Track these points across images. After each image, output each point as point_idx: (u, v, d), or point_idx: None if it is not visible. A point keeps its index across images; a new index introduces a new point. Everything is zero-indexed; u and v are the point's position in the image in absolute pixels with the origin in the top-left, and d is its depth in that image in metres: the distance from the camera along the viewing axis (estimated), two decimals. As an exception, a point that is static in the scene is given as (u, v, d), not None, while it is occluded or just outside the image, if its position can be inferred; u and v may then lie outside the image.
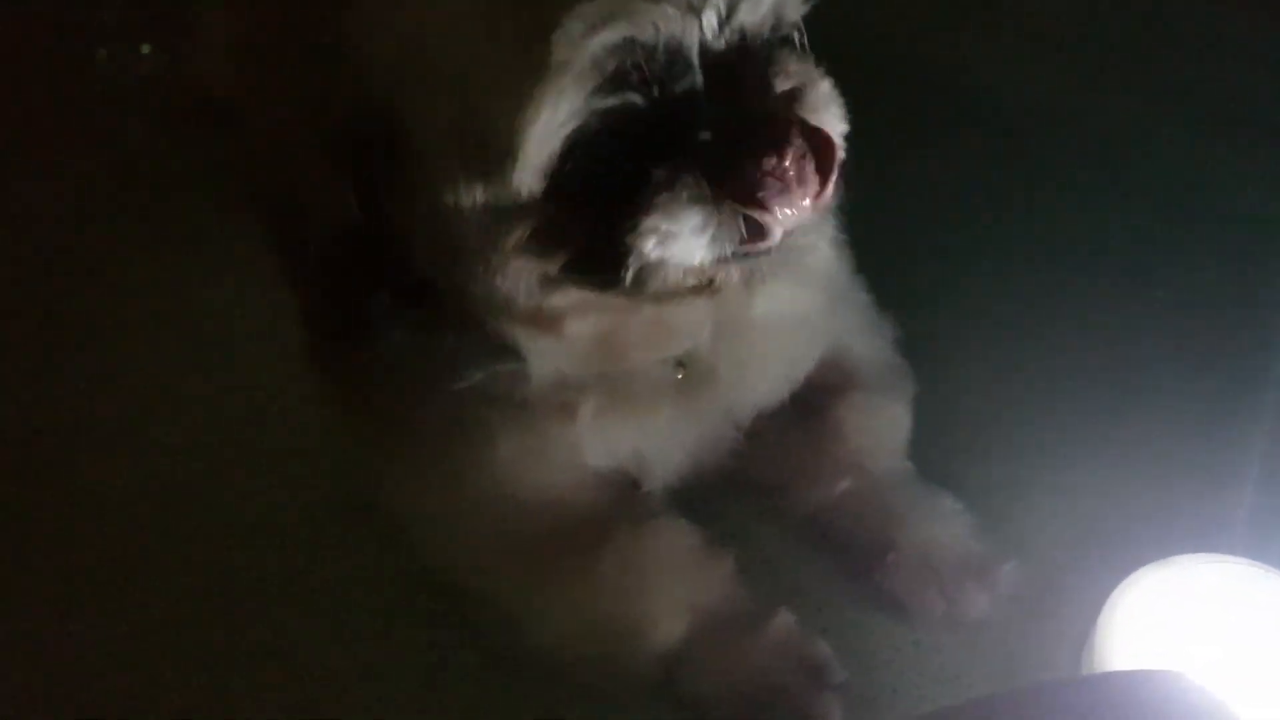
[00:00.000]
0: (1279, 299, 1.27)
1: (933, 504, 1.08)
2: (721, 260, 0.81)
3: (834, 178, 0.79)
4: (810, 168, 0.78)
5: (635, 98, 0.78)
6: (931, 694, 1.00)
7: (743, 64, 0.80)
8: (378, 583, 1.10)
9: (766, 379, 1.06)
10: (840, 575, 1.07)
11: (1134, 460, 1.14)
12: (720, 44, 0.79)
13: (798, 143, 0.77)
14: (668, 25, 0.77)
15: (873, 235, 1.06)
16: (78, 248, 1.38)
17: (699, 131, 0.78)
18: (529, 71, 0.77)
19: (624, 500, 1.03)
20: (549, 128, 0.78)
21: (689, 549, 1.02)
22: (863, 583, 1.06)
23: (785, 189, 0.78)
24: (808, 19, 0.86)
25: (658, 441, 1.02)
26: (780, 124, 0.78)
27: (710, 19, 0.79)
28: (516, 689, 1.02)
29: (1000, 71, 1.54)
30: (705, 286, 0.84)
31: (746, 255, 0.81)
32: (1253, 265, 1.31)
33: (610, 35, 0.76)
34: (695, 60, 0.78)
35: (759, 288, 0.94)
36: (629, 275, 0.80)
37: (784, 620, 1.01)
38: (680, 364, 0.98)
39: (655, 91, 0.78)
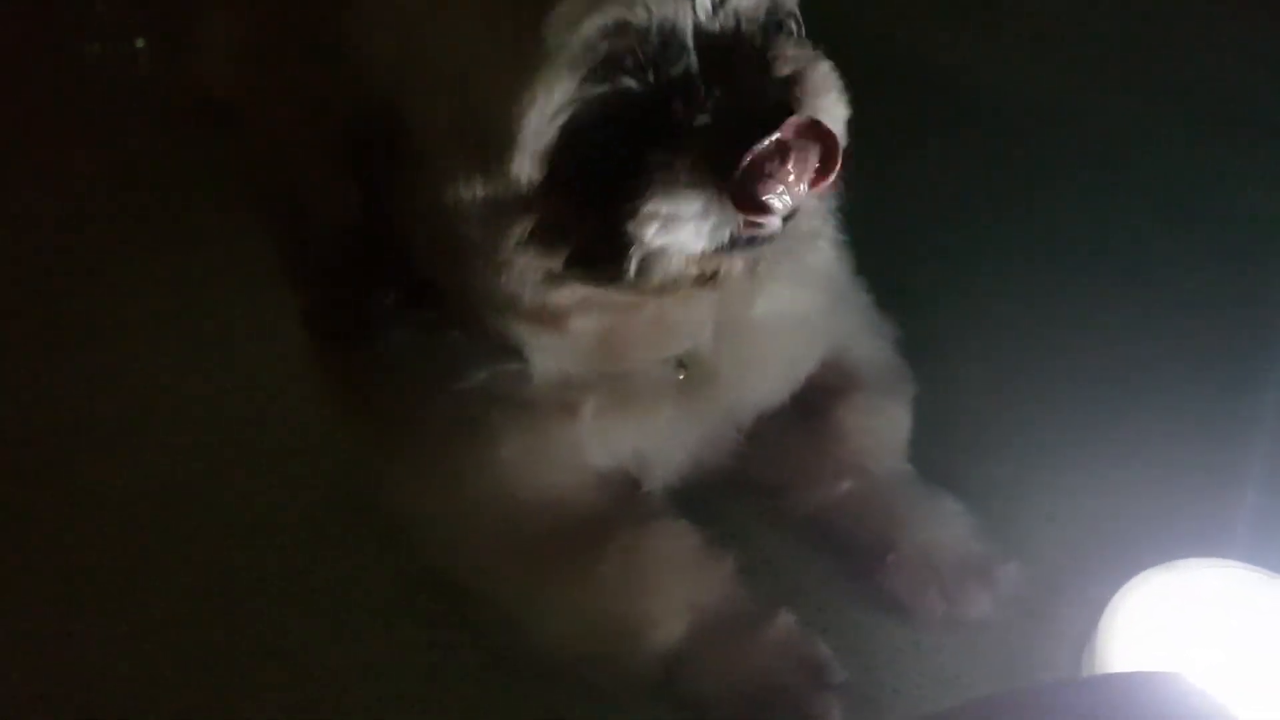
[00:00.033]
0: (1280, 299, 1.27)
1: (933, 505, 1.08)
2: (723, 250, 0.81)
3: (836, 167, 0.79)
4: (810, 158, 0.78)
5: (630, 82, 0.77)
6: (932, 694, 1.00)
7: (739, 47, 0.80)
8: (378, 583, 1.10)
9: (767, 379, 1.06)
10: (841, 576, 1.07)
11: (1135, 463, 1.14)
12: (715, 26, 0.79)
13: (795, 140, 0.77)
14: (660, 8, 0.77)
15: (873, 236, 1.06)
16: (78, 248, 1.38)
17: (696, 115, 0.78)
18: (523, 59, 0.77)
19: (625, 500, 1.02)
20: (544, 115, 0.78)
21: (690, 549, 1.02)
22: (863, 583, 1.06)
23: (781, 183, 0.78)
24: (807, 19, 0.86)
25: (659, 441, 1.02)
26: (776, 114, 0.77)
27: (704, 1, 0.78)
28: (516, 689, 1.02)
29: (1000, 71, 1.54)
30: (708, 278, 0.84)
31: (749, 243, 0.81)
32: (1253, 265, 1.31)
33: (602, 19, 0.76)
34: (690, 42, 0.78)
35: (761, 285, 0.94)
36: (632, 265, 0.80)
37: (784, 620, 1.00)
38: (681, 364, 0.98)
39: (650, 76, 0.78)
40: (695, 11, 0.78)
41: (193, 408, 1.23)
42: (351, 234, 0.92)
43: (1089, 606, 0.99)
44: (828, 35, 0.86)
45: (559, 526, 1.00)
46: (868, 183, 0.87)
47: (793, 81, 0.80)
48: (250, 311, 1.27)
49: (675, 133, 0.77)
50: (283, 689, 1.04)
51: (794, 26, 0.85)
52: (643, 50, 0.77)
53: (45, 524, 1.15)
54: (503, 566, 1.01)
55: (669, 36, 0.78)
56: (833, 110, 0.82)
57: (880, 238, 1.08)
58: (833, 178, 0.79)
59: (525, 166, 0.80)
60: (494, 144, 0.80)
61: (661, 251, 0.79)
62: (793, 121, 0.76)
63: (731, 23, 0.80)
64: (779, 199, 0.78)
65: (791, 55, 0.81)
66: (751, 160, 0.76)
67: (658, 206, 0.78)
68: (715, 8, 0.79)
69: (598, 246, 0.81)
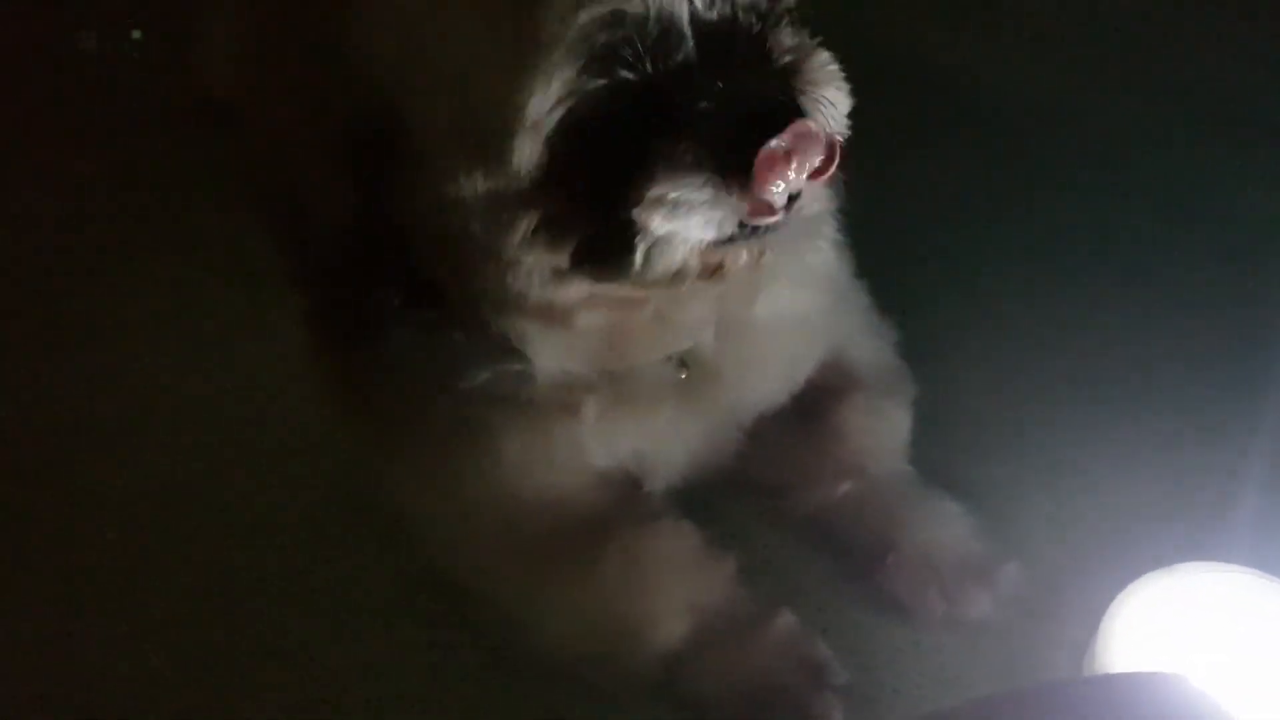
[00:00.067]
0: (1282, 300, 1.27)
1: (933, 505, 1.08)
2: (728, 241, 0.81)
3: (834, 165, 0.79)
4: (811, 154, 0.78)
5: (627, 74, 0.78)
6: (932, 695, 1.00)
7: (737, 37, 0.80)
8: (378, 583, 1.10)
9: (768, 379, 1.06)
10: (841, 576, 1.07)
11: (1136, 465, 1.14)
12: (712, 16, 0.79)
13: (797, 141, 0.77)
14: None
15: (873, 236, 1.06)
16: (78, 248, 1.38)
17: (696, 103, 0.78)
18: (521, 52, 0.77)
19: (626, 500, 1.02)
20: (543, 107, 0.78)
21: (690, 549, 1.02)
22: (863, 584, 1.06)
23: (783, 179, 0.78)
24: (808, 19, 0.86)
25: (660, 442, 1.02)
26: (776, 105, 0.77)
27: None
28: (516, 689, 1.02)
29: (1000, 72, 1.54)
30: (714, 271, 0.84)
31: (754, 233, 0.81)
32: (1253, 265, 1.31)
33: (599, 9, 0.76)
34: (687, 32, 0.78)
35: (763, 281, 0.94)
36: (639, 257, 0.80)
37: (785, 621, 1.00)
38: (683, 363, 0.98)
39: (648, 67, 0.78)
40: (692, 1, 0.78)
41: (193, 408, 1.23)
42: (351, 234, 0.92)
43: (1089, 608, 0.98)
44: (827, 35, 0.85)
45: (560, 526, 1.00)
46: (868, 183, 0.87)
47: (792, 71, 0.80)
48: (250, 311, 1.27)
49: (676, 121, 0.77)
50: (283, 689, 1.04)
51: (791, 17, 0.85)
52: (640, 40, 0.77)
53: (45, 524, 1.15)
54: (503, 566, 1.01)
55: (667, 26, 0.77)
56: (835, 102, 0.82)
57: (880, 238, 1.08)
58: (831, 172, 0.79)
59: (526, 161, 0.80)
60: (494, 139, 0.80)
61: (667, 241, 0.79)
62: (795, 128, 0.76)
63: (729, 12, 0.80)
64: (781, 193, 0.78)
65: (790, 45, 0.81)
66: (757, 159, 0.76)
67: (663, 191, 0.77)
68: None
69: (603, 240, 0.81)
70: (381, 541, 1.11)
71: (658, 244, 0.79)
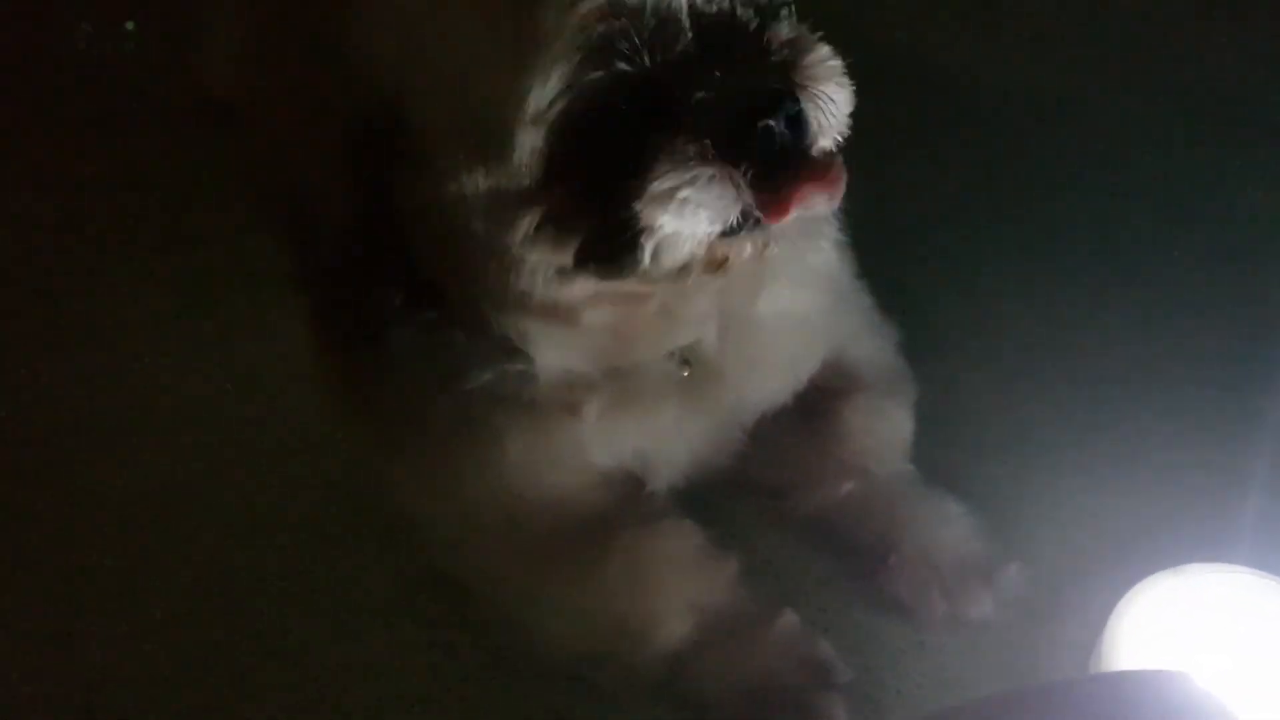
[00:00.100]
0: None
1: (935, 506, 1.08)
2: (732, 233, 0.81)
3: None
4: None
5: (625, 66, 0.77)
6: (936, 695, 1.00)
7: (735, 29, 0.80)
8: (378, 583, 1.10)
9: (770, 379, 1.06)
10: (843, 576, 1.07)
11: (1140, 466, 1.13)
12: (711, 8, 0.79)
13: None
14: None
15: (874, 237, 1.07)
16: (78, 248, 1.38)
17: (694, 95, 0.78)
18: (519, 46, 0.77)
19: (628, 500, 1.02)
20: (543, 101, 0.78)
21: (693, 549, 1.02)
22: (865, 584, 1.06)
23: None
24: (808, 20, 0.86)
25: (663, 441, 1.03)
26: (775, 96, 0.78)
27: None
28: (516, 689, 1.03)
29: (1001, 72, 1.54)
30: (720, 263, 0.84)
31: (757, 224, 0.81)
32: (1256, 266, 1.31)
33: (595, 1, 0.76)
34: (686, 23, 0.78)
35: (766, 277, 0.94)
36: (645, 252, 0.80)
37: (788, 621, 1.00)
38: (686, 361, 0.98)
39: (646, 59, 0.78)
40: None
41: (193, 408, 1.23)
42: (352, 234, 0.92)
43: (1093, 609, 0.98)
44: (828, 35, 0.86)
45: (562, 526, 1.00)
46: (869, 183, 0.87)
47: (790, 65, 0.80)
48: (250, 311, 1.27)
49: (675, 114, 0.77)
50: (283, 689, 1.04)
51: (789, 12, 0.85)
52: (638, 33, 0.77)
53: (45, 524, 1.15)
54: (505, 566, 1.01)
55: (664, 18, 0.78)
56: (835, 97, 0.82)
57: (881, 239, 1.08)
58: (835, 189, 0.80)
59: (528, 157, 0.80)
60: (495, 136, 0.80)
61: (672, 234, 0.79)
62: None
63: (727, 5, 0.80)
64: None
65: (788, 38, 0.81)
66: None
67: (663, 185, 0.77)
68: None
69: (607, 236, 0.81)
70: (381, 541, 1.11)
71: (662, 239, 0.79)
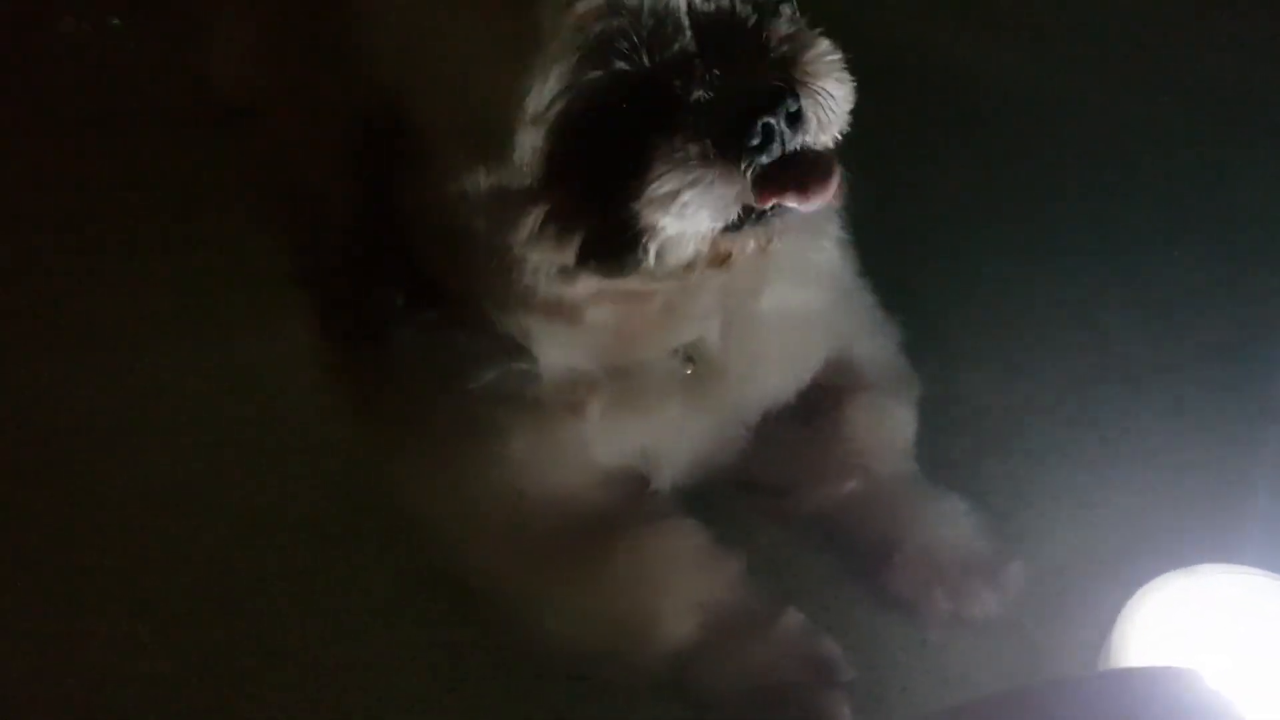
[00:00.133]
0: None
1: (938, 504, 1.08)
2: (735, 229, 0.81)
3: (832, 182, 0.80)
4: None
5: (624, 65, 0.77)
6: (940, 694, 1.00)
7: (734, 27, 0.80)
8: (378, 583, 1.10)
9: (774, 376, 1.06)
10: (846, 575, 1.07)
11: (1146, 466, 1.13)
12: (709, 6, 0.79)
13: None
14: None
15: (876, 236, 1.07)
16: (78, 248, 1.38)
17: (693, 93, 0.77)
18: (518, 46, 0.77)
19: (632, 499, 1.03)
20: (542, 101, 0.78)
21: (697, 548, 1.02)
22: (869, 582, 1.06)
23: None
24: (809, 20, 0.86)
25: (666, 440, 1.03)
26: (774, 93, 0.78)
27: None
28: (517, 688, 1.03)
29: (1001, 72, 1.54)
30: (723, 258, 0.83)
31: (759, 219, 0.81)
32: (1257, 266, 1.31)
33: (593, 0, 0.76)
34: (684, 22, 0.78)
35: (770, 272, 0.94)
36: (648, 251, 0.80)
37: (792, 619, 1.00)
38: (689, 359, 0.98)
39: (644, 59, 0.78)
40: None
41: (193, 408, 1.23)
42: (354, 233, 0.92)
43: (1099, 609, 0.98)
44: (829, 35, 0.86)
45: (566, 525, 1.00)
46: (870, 183, 0.87)
47: (790, 61, 0.80)
48: (250, 311, 1.27)
49: (675, 112, 0.77)
50: (283, 689, 1.04)
51: (790, 8, 0.85)
52: (636, 31, 0.77)
53: (45, 524, 1.15)
54: (510, 565, 1.01)
55: (662, 16, 0.78)
56: (834, 93, 0.82)
57: (881, 238, 1.09)
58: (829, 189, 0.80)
59: (528, 156, 0.80)
60: (496, 135, 0.80)
61: (673, 233, 0.79)
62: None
63: (727, 3, 0.80)
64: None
65: (787, 35, 0.81)
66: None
67: (663, 186, 0.78)
68: None
69: (609, 235, 0.81)
70: (381, 541, 1.11)
71: (664, 239, 0.79)
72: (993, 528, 1.07)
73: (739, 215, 0.80)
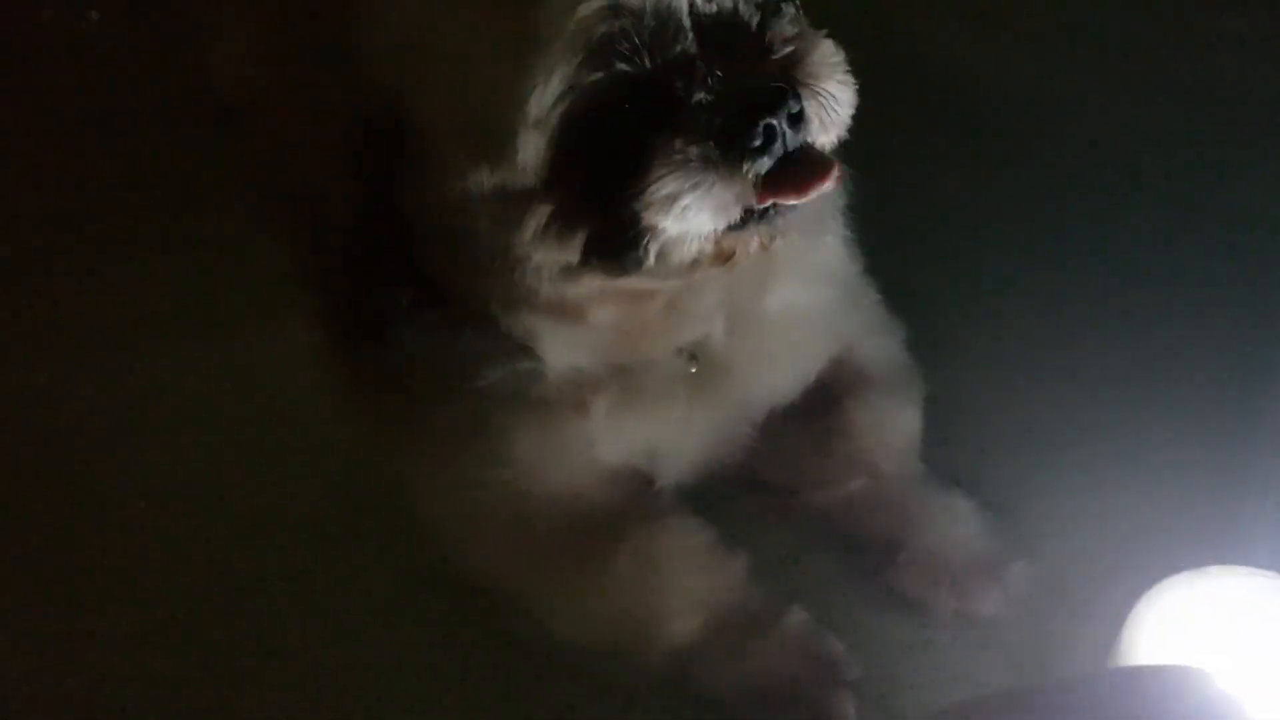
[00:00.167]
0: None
1: (944, 503, 1.08)
2: (738, 228, 0.81)
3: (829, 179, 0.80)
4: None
5: (625, 67, 0.78)
6: (945, 692, 0.99)
7: (736, 28, 0.80)
8: (378, 583, 1.10)
9: (778, 374, 1.06)
10: (852, 573, 1.07)
11: (1150, 466, 1.13)
12: (711, 8, 0.79)
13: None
14: None
15: (877, 236, 1.06)
16: (78, 248, 1.38)
17: (695, 94, 0.77)
18: (521, 48, 0.77)
19: (637, 498, 1.02)
20: (544, 102, 0.78)
21: (701, 547, 1.01)
22: (874, 581, 1.06)
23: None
24: (810, 20, 0.86)
25: (671, 438, 1.03)
26: (776, 94, 0.78)
27: None
28: (518, 688, 1.02)
29: (1003, 72, 1.54)
30: (726, 257, 0.84)
31: (762, 217, 0.81)
32: (1258, 265, 1.30)
33: (595, 2, 0.77)
34: (686, 23, 0.78)
35: (773, 270, 0.94)
36: (649, 252, 0.80)
37: (797, 617, 1.00)
38: (693, 358, 0.98)
39: (645, 60, 0.78)
40: None
41: (193, 408, 1.23)
42: (358, 233, 0.92)
43: (1105, 609, 0.98)
44: (829, 36, 0.86)
45: (571, 524, 1.00)
46: (871, 182, 0.87)
47: (792, 62, 0.80)
48: (250, 311, 1.27)
49: (676, 113, 0.77)
50: (283, 689, 1.04)
51: (793, 9, 0.85)
52: (638, 33, 0.77)
53: (45, 524, 1.15)
54: (514, 563, 1.01)
55: (664, 18, 0.78)
56: (836, 95, 0.82)
57: (884, 237, 1.09)
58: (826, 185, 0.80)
59: (531, 157, 0.80)
60: (498, 136, 0.80)
61: (674, 234, 0.79)
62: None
63: (729, 4, 0.80)
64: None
65: (790, 36, 0.81)
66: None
67: (663, 188, 0.78)
68: None
69: (612, 235, 0.81)
70: (381, 541, 1.11)
71: (664, 239, 0.79)
72: (998, 527, 1.07)
73: (741, 215, 0.80)
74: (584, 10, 0.77)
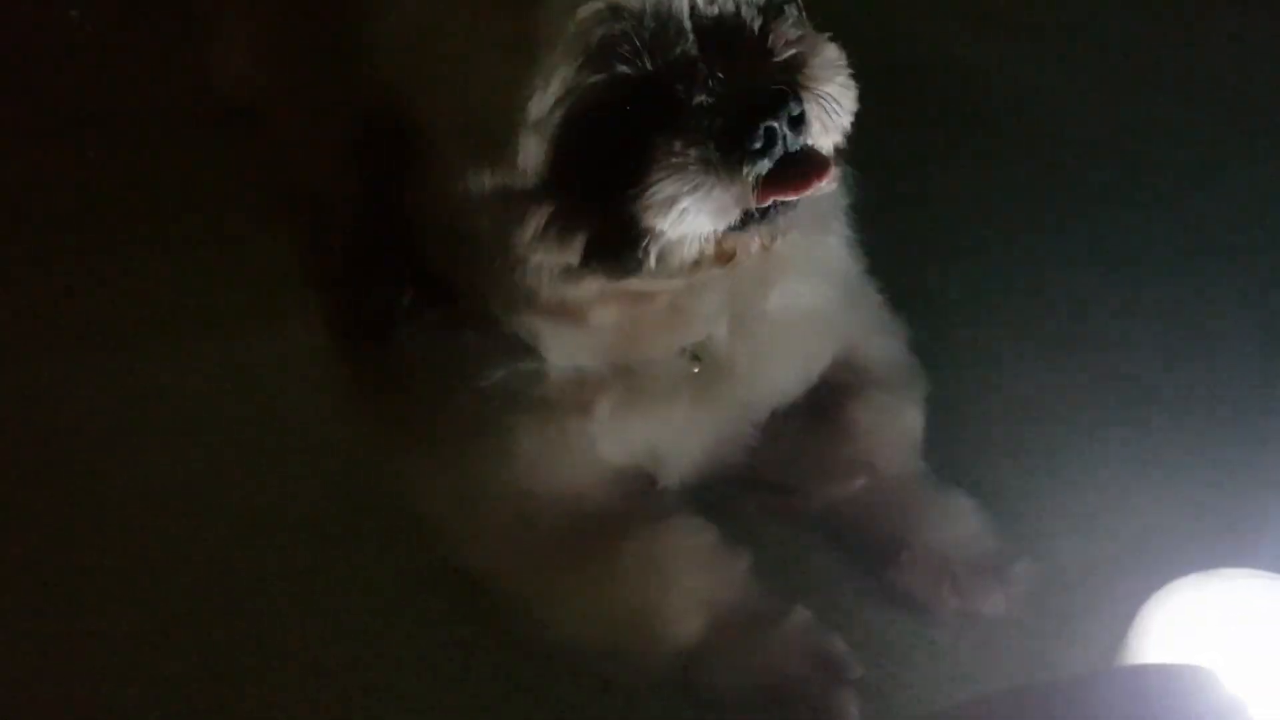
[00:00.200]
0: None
1: (946, 503, 1.07)
2: (739, 228, 0.81)
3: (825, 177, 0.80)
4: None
5: (625, 69, 0.77)
6: (948, 691, 0.99)
7: (738, 31, 0.80)
8: (378, 582, 1.10)
9: (781, 373, 1.06)
10: (854, 573, 1.07)
11: (1155, 467, 1.13)
12: (713, 10, 0.79)
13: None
14: None
15: (883, 235, 1.06)
16: (78, 248, 1.38)
17: (696, 96, 0.77)
18: (521, 50, 0.77)
19: (640, 497, 1.02)
20: (545, 104, 0.78)
21: (705, 546, 1.01)
22: (877, 580, 1.06)
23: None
24: (811, 20, 0.86)
25: (674, 437, 1.02)
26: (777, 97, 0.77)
27: None
28: (519, 688, 1.02)
29: (1003, 72, 1.54)
30: (728, 258, 0.83)
31: (763, 218, 0.81)
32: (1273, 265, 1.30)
33: (595, 4, 0.77)
34: (687, 25, 0.78)
35: (775, 270, 0.94)
36: (650, 253, 0.80)
37: (800, 616, 1.00)
38: (696, 358, 0.98)
39: (646, 62, 0.78)
40: None
41: (193, 408, 1.23)
42: (353, 234, 0.92)
43: (1112, 610, 0.97)
44: (832, 36, 0.86)
45: (574, 523, 1.00)
46: (872, 182, 0.87)
47: (795, 65, 0.80)
48: (250, 311, 1.27)
49: (677, 116, 0.77)
50: (283, 689, 1.04)
51: (795, 10, 0.85)
52: (638, 35, 0.77)
53: (45, 524, 1.15)
54: (517, 564, 1.01)
55: (665, 20, 0.78)
56: (838, 98, 0.82)
57: (885, 237, 1.09)
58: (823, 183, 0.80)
59: (532, 158, 0.80)
60: (499, 138, 0.80)
61: (675, 235, 0.79)
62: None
63: (731, 6, 0.80)
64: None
65: (792, 38, 0.81)
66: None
67: (663, 191, 0.78)
68: None
69: (612, 236, 0.81)
70: (381, 541, 1.11)
71: (664, 241, 0.79)
72: (1002, 526, 1.06)
73: (741, 216, 0.80)
74: (584, 12, 0.77)
